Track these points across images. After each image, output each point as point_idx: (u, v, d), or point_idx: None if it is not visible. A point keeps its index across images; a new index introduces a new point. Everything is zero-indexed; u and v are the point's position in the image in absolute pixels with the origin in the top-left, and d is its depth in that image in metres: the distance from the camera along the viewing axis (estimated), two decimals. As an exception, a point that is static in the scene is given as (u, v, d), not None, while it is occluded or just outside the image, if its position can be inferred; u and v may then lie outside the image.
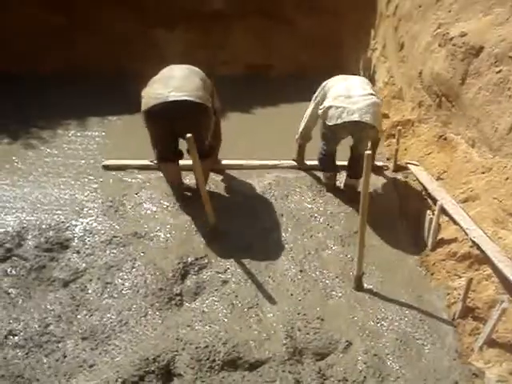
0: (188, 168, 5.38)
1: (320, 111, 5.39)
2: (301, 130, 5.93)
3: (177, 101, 4.76)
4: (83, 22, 8.53)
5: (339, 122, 5.15)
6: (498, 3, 5.03)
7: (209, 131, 5.21)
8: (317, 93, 5.67)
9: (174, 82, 4.92)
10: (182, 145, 5.00)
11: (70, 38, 8.52)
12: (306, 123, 5.85)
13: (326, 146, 5.61)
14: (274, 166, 6.21)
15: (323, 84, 5.66)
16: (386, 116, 6.85)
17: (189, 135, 4.31)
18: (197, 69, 5.27)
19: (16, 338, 3.98)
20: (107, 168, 6.06)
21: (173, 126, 4.93)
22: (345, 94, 5.26)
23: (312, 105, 5.72)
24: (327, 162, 5.73)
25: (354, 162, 5.49)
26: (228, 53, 9.00)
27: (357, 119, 5.08)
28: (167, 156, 5.30)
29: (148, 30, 8.78)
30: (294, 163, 6.21)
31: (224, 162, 6.12)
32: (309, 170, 6.13)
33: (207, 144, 5.24)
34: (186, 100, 4.78)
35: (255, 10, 8.83)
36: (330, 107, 5.23)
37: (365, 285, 4.53)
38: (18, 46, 8.38)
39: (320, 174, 5.96)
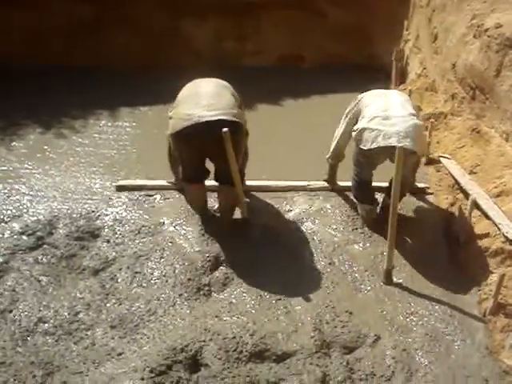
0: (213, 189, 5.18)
1: (353, 133, 4.84)
2: (332, 149, 5.36)
3: (211, 121, 4.39)
4: (113, 14, 8.60)
5: (374, 146, 4.60)
6: (534, -6, 4.95)
7: (240, 151, 4.79)
8: (349, 108, 5.14)
9: (205, 100, 4.56)
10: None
11: (101, 31, 8.61)
12: (337, 142, 5.29)
13: (360, 173, 5.03)
14: (304, 188, 5.62)
15: (357, 99, 5.10)
16: (418, 108, 6.76)
17: (225, 129, 4.28)
18: (224, 82, 4.95)
19: (46, 325, 4.01)
20: (121, 189, 5.58)
21: (206, 148, 4.59)
22: (382, 115, 4.69)
23: (343, 122, 5.19)
24: (362, 190, 5.14)
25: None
26: (259, 44, 8.99)
27: (394, 144, 4.43)
28: (195, 177, 4.95)
29: (178, 22, 8.81)
30: (325, 184, 5.65)
31: (248, 182, 5.52)
32: (341, 191, 5.59)
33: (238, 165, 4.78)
34: (220, 119, 4.41)
35: (286, 0, 8.77)
36: (364, 129, 4.69)
37: (394, 279, 4.48)
38: (51, 39, 8.48)
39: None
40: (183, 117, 4.49)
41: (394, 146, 4.37)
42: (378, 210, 5.14)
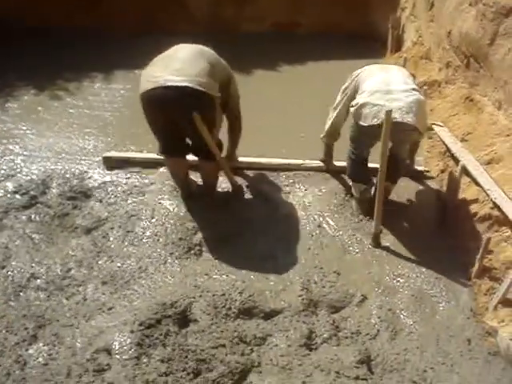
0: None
1: (352, 109, 4.55)
2: (327, 128, 5.11)
3: (173, 86, 4.07)
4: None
5: (375, 122, 4.32)
6: (533, -39, 4.92)
7: (213, 124, 4.43)
8: (346, 83, 4.86)
9: (176, 64, 4.23)
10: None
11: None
12: (333, 120, 5.02)
13: (357, 150, 4.78)
14: (298, 167, 5.43)
15: (355, 74, 4.82)
16: (412, 76, 6.77)
17: (195, 114, 4.08)
18: (209, 50, 4.55)
19: (38, 280, 4.08)
20: (108, 161, 5.39)
21: (172, 116, 4.26)
22: (383, 89, 4.44)
23: (340, 98, 4.92)
24: (358, 169, 4.88)
25: (391, 165, 4.36)
26: (255, 10, 8.90)
27: (397, 120, 4.25)
28: (171, 150, 4.63)
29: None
30: (321, 164, 5.45)
31: (241, 159, 5.42)
32: (338, 172, 5.39)
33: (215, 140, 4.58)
34: (183, 86, 4.07)
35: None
36: (364, 104, 4.42)
37: (382, 242, 4.54)
38: (46, 1, 8.40)
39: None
40: (150, 78, 4.21)
41: (395, 122, 4.19)
42: (373, 192, 4.77)
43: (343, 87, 4.89)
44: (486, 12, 5.39)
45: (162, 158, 4.75)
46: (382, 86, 4.48)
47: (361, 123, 4.45)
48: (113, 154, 5.50)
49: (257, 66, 7.71)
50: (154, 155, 5.05)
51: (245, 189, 5.12)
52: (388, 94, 4.40)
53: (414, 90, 4.52)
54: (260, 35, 8.53)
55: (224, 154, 4.92)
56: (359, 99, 4.50)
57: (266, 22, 8.91)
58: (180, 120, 4.27)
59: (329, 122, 5.07)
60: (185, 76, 4.12)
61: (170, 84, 4.07)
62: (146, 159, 5.41)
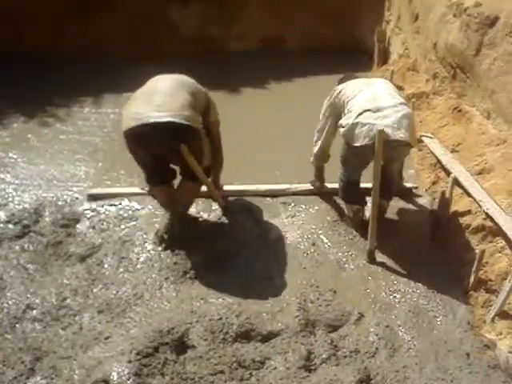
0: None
1: (342, 130, 4.42)
2: (316, 151, 4.98)
3: (157, 122, 4.03)
4: (98, 0, 8.52)
5: (367, 142, 4.23)
6: (514, -28, 4.96)
7: (200, 155, 4.44)
8: (327, 103, 4.78)
9: (157, 99, 4.18)
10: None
11: (86, 17, 8.52)
12: (321, 143, 4.89)
13: (348, 173, 4.69)
14: (284, 193, 5.29)
15: (336, 90, 4.72)
16: (400, 88, 6.80)
17: (182, 145, 4.12)
18: (188, 80, 4.56)
19: (34, 311, 4.05)
20: (93, 198, 5.25)
21: (157, 150, 4.29)
22: (372, 107, 4.33)
23: (324, 119, 4.82)
24: (351, 191, 4.78)
25: (384, 183, 4.34)
26: (242, 27, 8.96)
27: (390, 137, 4.19)
28: (157, 180, 4.65)
29: (162, 7, 8.76)
30: (310, 187, 5.32)
31: (227, 187, 5.30)
32: (329, 194, 5.27)
33: (203, 165, 4.55)
34: (167, 122, 4.05)
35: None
36: (355, 125, 4.29)
37: (377, 258, 4.54)
38: (35, 25, 8.41)
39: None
40: (132, 115, 4.16)
41: (388, 140, 4.16)
42: (367, 214, 4.68)
43: (325, 106, 4.81)
44: (471, 23, 5.44)
45: (147, 190, 4.88)
46: (370, 104, 4.37)
47: (353, 144, 4.34)
48: (98, 191, 5.36)
49: (246, 84, 7.75)
50: (138, 189, 5.21)
51: (236, 211, 5.09)
52: (378, 112, 4.31)
53: (401, 104, 4.47)
54: (248, 53, 8.60)
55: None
56: (348, 119, 4.37)
57: (254, 40, 8.97)
58: (166, 154, 4.34)
59: (317, 146, 4.95)
60: (167, 111, 4.09)
61: (153, 121, 4.03)
62: (131, 193, 5.27)
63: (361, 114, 4.32)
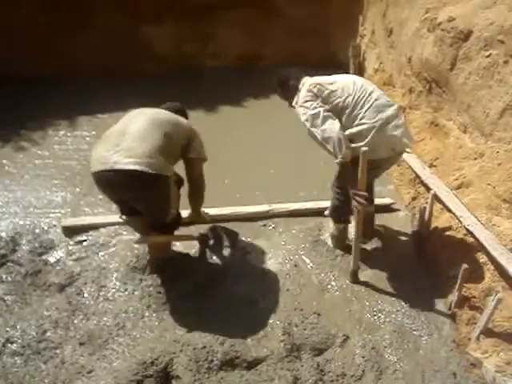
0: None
1: (360, 147, 3.85)
2: (334, 142, 4.00)
3: (122, 170, 3.83)
4: (69, 21, 8.47)
5: (392, 153, 4.18)
6: (485, -14, 5.00)
7: (167, 203, 4.23)
8: (312, 102, 4.13)
9: (125, 143, 3.93)
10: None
11: (57, 38, 8.45)
12: (334, 127, 4.04)
13: (345, 190, 4.26)
14: (265, 215, 5.27)
15: (324, 91, 4.16)
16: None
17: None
18: (167, 115, 4.32)
19: (14, 345, 3.96)
20: (68, 230, 5.11)
21: (123, 196, 4.16)
22: (383, 118, 4.09)
23: (317, 107, 4.10)
24: (344, 211, 4.56)
25: (369, 190, 4.24)
26: (217, 45, 8.99)
27: (409, 147, 4.29)
28: (131, 212, 4.41)
29: (136, 26, 8.73)
30: (290, 207, 5.29)
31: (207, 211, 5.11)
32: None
33: (170, 216, 4.34)
34: (132, 170, 3.82)
35: (241, 0, 8.76)
36: (376, 139, 4.01)
37: (361, 277, 4.51)
38: (7, 48, 8.32)
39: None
40: (100, 158, 3.96)
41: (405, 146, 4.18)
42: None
43: (310, 113, 4.09)
44: (445, 37, 5.47)
45: (124, 219, 4.55)
46: (380, 114, 4.09)
47: (373, 158, 3.94)
48: (73, 221, 5.22)
49: (222, 101, 7.75)
50: (115, 218, 4.92)
51: (213, 237, 5.06)
52: (389, 123, 4.10)
53: (395, 106, 4.26)
54: (224, 70, 8.58)
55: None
56: (366, 135, 4.03)
57: (229, 57, 8.96)
58: (130, 201, 4.19)
59: (332, 136, 4.00)
60: (134, 157, 3.86)
61: (118, 167, 3.83)
62: (107, 223, 5.15)
63: (378, 127, 4.05)
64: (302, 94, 4.21)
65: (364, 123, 4.08)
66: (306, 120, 4.14)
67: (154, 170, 3.89)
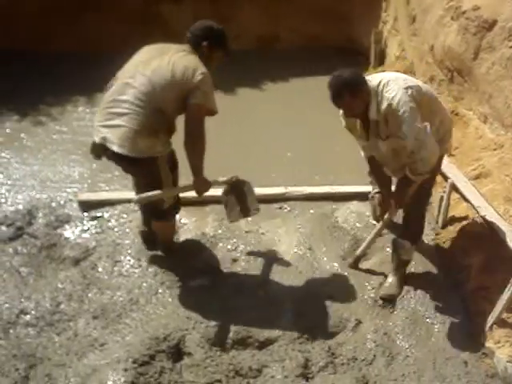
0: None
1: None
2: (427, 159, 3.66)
3: (110, 148, 3.68)
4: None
5: None
6: (512, -25, 4.93)
7: (158, 183, 3.87)
8: (411, 109, 3.53)
9: (114, 121, 3.67)
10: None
11: (79, 16, 8.42)
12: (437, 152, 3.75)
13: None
14: (281, 197, 5.23)
15: (414, 91, 3.63)
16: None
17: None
18: (171, 71, 3.65)
19: (28, 316, 3.98)
20: (84, 205, 5.09)
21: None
22: None
23: (417, 117, 3.56)
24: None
25: None
26: (236, 26, 8.89)
27: None
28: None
29: (155, 6, 8.68)
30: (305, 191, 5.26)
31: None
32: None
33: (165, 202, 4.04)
34: (116, 151, 3.65)
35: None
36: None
37: (376, 262, 4.53)
38: (28, 23, 8.31)
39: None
40: (95, 128, 3.80)
41: None
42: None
43: (408, 98, 3.55)
44: (469, 26, 5.40)
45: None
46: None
47: None
48: (88, 196, 5.22)
49: (241, 84, 7.70)
50: (131, 194, 4.43)
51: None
52: None
53: None
54: (242, 52, 8.51)
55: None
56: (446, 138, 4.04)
57: (247, 39, 8.88)
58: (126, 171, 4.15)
59: (436, 152, 3.73)
60: (120, 138, 3.62)
61: (107, 145, 3.67)
62: (123, 199, 5.03)
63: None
64: (402, 100, 3.53)
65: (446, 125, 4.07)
66: (414, 136, 3.57)
67: (140, 154, 3.66)
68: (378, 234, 4.39)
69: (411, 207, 4.18)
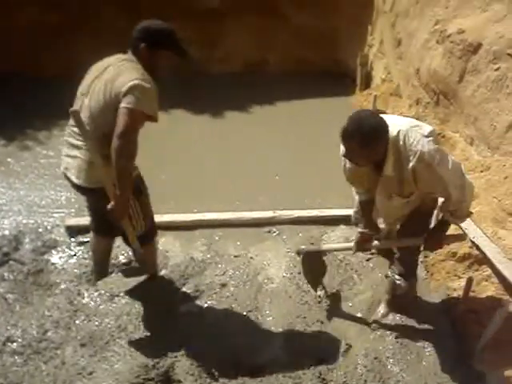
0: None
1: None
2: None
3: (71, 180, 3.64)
4: (80, 22, 8.47)
5: None
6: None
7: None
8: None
9: (70, 150, 3.63)
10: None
11: (67, 39, 8.45)
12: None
13: None
14: (268, 221, 5.20)
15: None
16: (383, 113, 6.81)
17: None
18: (108, 87, 3.38)
19: (14, 344, 3.92)
20: (71, 230, 5.09)
21: None
22: None
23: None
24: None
25: None
26: (224, 50, 8.98)
27: None
28: (97, 228, 4.24)
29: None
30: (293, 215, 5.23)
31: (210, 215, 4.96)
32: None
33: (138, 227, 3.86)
34: (73, 182, 3.63)
35: (250, 6, 8.76)
36: None
37: (366, 286, 4.48)
38: (15, 46, 8.33)
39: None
40: (62, 156, 3.75)
41: None
42: None
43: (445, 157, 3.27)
44: (454, 49, 5.48)
45: None
46: None
47: None
48: (75, 221, 5.17)
49: (228, 107, 7.72)
50: None
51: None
52: None
53: None
54: (230, 75, 8.59)
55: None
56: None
57: (236, 62, 8.97)
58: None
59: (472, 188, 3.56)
60: (74, 168, 3.58)
61: (67, 175, 3.65)
62: None
63: None
64: (431, 150, 3.15)
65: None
66: (454, 186, 3.30)
67: (96, 184, 3.50)
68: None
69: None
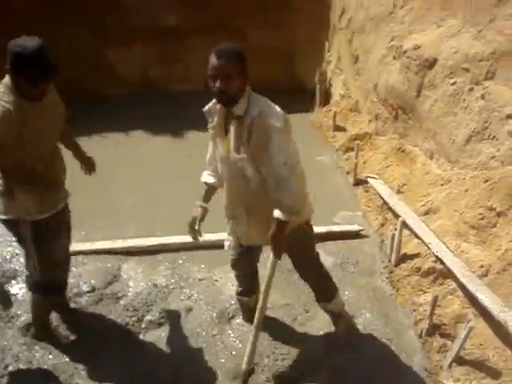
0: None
1: None
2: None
3: None
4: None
5: None
6: (450, 15, 5.07)
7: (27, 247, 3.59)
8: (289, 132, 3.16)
9: None
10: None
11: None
12: None
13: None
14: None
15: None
16: (343, 129, 6.88)
17: None
18: None
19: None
20: None
21: None
22: None
23: None
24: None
25: None
26: (183, 69, 8.97)
27: None
28: None
29: (103, 49, 8.68)
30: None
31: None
32: None
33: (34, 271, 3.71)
34: None
35: (209, 25, 8.77)
36: None
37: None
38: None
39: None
40: None
41: None
42: None
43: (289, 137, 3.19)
44: (410, 65, 5.53)
45: None
46: None
47: None
48: None
49: (189, 127, 7.66)
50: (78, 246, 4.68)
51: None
52: None
53: None
54: (190, 94, 8.53)
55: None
56: None
57: (195, 81, 8.91)
58: None
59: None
60: None
61: None
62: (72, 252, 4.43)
63: None
64: (279, 115, 3.14)
65: None
66: (283, 160, 3.10)
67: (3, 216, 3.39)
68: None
69: (306, 269, 3.88)
